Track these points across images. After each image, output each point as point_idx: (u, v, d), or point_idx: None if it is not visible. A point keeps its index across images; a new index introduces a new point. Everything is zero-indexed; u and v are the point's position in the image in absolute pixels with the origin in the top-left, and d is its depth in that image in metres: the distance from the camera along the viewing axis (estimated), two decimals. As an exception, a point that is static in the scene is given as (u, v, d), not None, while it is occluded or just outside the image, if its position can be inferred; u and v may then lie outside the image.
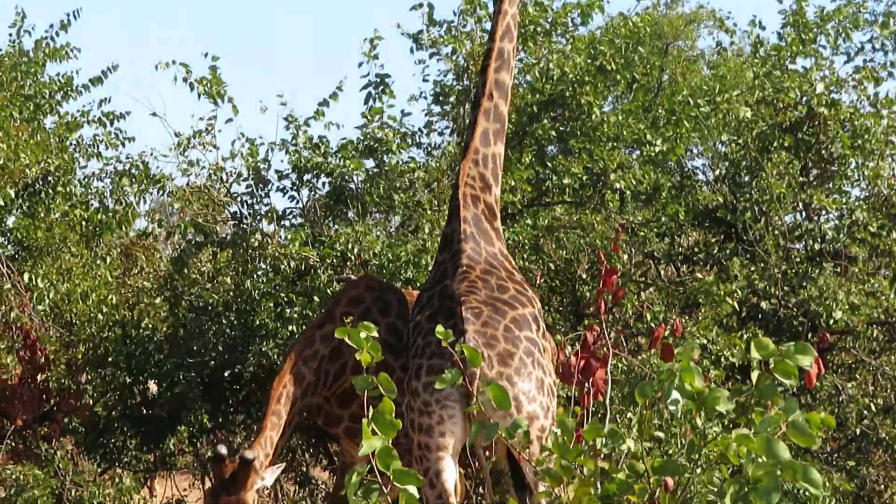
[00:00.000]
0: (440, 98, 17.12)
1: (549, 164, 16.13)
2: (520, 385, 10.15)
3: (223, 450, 11.29)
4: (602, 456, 6.22)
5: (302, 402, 11.87)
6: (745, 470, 4.91)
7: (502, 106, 12.15)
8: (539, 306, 11.29)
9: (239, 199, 16.57)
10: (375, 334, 6.51)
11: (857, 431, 15.08)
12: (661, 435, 11.03)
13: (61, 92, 16.70)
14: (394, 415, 5.98)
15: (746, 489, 4.84)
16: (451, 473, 10.36)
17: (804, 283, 15.31)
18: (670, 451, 7.92)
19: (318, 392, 12.00)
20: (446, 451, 10.28)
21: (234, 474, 11.21)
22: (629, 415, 11.95)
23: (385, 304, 11.91)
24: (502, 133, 12.17)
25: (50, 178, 15.31)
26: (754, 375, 5.66)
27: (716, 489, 5.55)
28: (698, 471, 5.86)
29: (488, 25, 17.22)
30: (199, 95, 15.87)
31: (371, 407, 6.14)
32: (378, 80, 16.23)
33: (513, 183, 15.43)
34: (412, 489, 5.83)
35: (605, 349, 10.38)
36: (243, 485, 11.23)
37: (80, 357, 14.49)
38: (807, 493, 4.76)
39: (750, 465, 4.94)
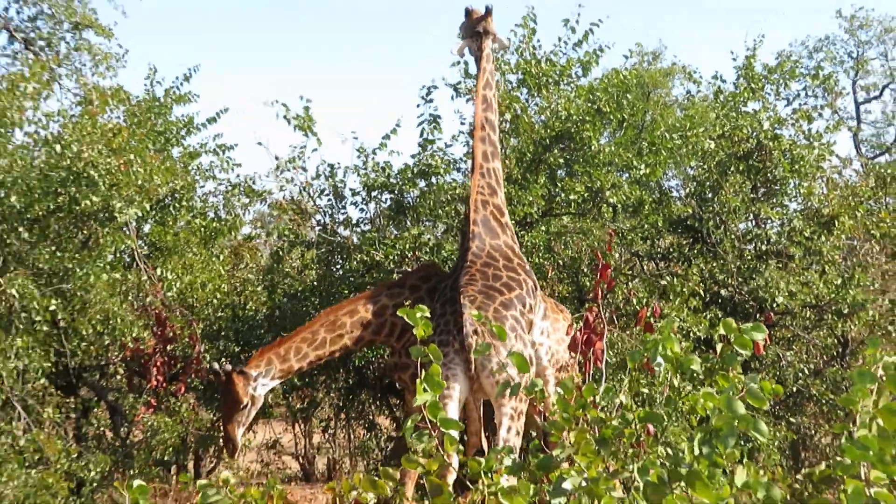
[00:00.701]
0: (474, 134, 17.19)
1: (559, 184, 16.11)
2: (503, 352, 10.45)
3: (215, 366, 11.65)
4: (600, 408, 6.26)
5: (353, 332, 12.04)
6: (711, 420, 4.88)
7: (493, 135, 12.62)
8: (530, 285, 11.65)
9: (322, 210, 16.73)
10: (428, 314, 6.48)
11: (794, 389, 15.30)
12: (647, 391, 11.26)
13: (185, 129, 16.72)
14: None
15: (710, 435, 4.89)
16: (452, 416, 10.65)
17: (754, 276, 15.48)
18: (655, 403, 7.97)
19: (379, 334, 12.17)
20: (450, 399, 10.62)
21: (228, 383, 11.56)
22: (621, 376, 12.25)
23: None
24: (497, 154, 12.60)
25: (176, 195, 15.32)
26: (718, 347, 5.68)
27: (687, 434, 5.64)
28: (674, 419, 5.95)
29: (511, 77, 17.47)
30: (294, 129, 15.89)
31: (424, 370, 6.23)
32: (431, 118, 16.30)
33: (531, 198, 15.53)
34: (454, 433, 5.95)
35: (602, 326, 10.58)
36: (236, 390, 11.57)
37: (199, 332, 14.55)
38: (756, 439, 4.82)
39: (714, 416, 4.94)
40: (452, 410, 10.84)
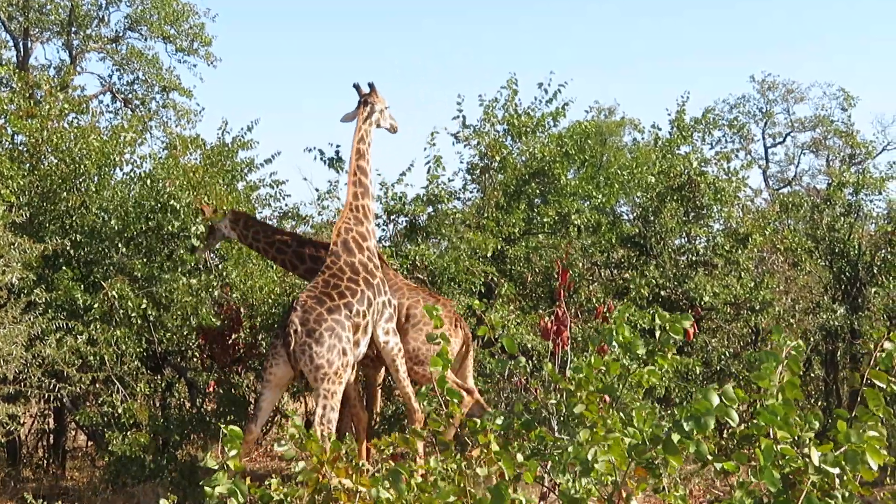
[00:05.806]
0: (470, 171, 17.16)
1: (535, 210, 16.09)
2: (315, 348, 10.41)
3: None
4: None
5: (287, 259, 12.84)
6: (654, 392, 4.99)
7: (364, 179, 12.04)
8: (368, 294, 11.24)
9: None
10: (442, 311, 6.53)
11: (718, 368, 15.28)
12: (603, 368, 11.13)
13: (247, 168, 16.67)
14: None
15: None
16: (269, 398, 10.94)
17: (686, 280, 15.42)
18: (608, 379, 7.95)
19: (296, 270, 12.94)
20: (270, 381, 10.83)
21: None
22: (583, 357, 12.19)
23: None
24: (367, 193, 12.06)
25: (240, 219, 15.38)
26: (658, 333, 5.74)
27: (636, 403, 5.67)
28: (624, 391, 5.99)
29: (499, 128, 17.52)
30: (328, 167, 15.97)
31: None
32: (435, 159, 16.23)
33: (514, 220, 15.51)
34: (456, 400, 5.95)
35: (566, 319, 10.58)
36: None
37: (257, 324, 14.48)
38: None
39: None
40: (269, 391, 10.90)
